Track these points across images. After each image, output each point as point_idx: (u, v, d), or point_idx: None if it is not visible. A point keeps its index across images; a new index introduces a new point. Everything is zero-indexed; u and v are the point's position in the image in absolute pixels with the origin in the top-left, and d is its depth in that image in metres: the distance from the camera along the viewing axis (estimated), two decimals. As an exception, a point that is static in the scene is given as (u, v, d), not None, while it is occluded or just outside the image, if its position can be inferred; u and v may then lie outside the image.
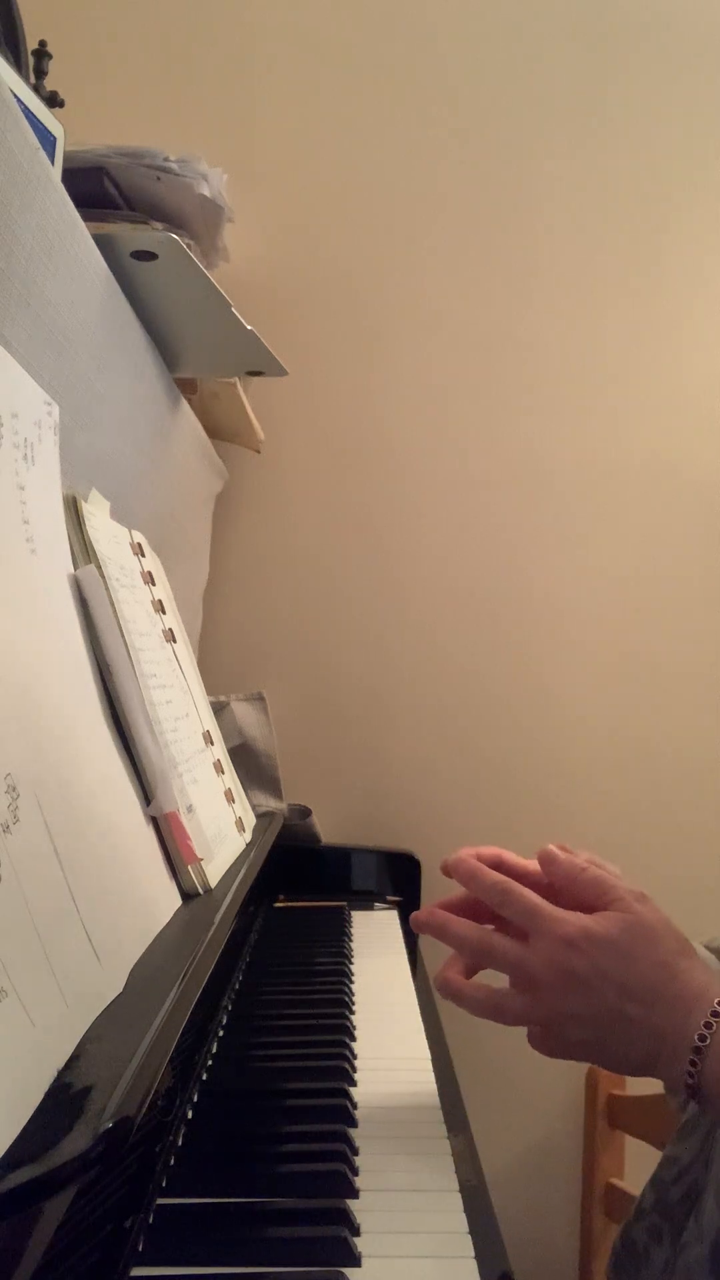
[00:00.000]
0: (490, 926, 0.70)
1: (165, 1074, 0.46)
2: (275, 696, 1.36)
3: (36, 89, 0.79)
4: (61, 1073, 0.41)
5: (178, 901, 0.68)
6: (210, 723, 0.98)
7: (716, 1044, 0.61)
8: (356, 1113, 0.69)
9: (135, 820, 0.64)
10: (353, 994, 0.96)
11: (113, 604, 0.70)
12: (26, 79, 0.78)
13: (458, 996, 0.69)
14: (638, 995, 0.63)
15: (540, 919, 0.65)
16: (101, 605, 0.69)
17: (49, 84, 0.82)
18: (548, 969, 0.64)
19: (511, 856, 0.73)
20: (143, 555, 0.88)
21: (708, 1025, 0.62)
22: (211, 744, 0.94)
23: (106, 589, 0.70)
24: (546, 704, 1.45)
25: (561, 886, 0.69)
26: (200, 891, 0.70)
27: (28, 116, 0.64)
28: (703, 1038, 0.61)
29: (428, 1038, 0.87)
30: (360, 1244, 0.53)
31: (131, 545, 0.86)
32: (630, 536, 1.46)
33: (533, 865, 0.72)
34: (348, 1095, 0.71)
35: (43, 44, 0.82)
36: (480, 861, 0.72)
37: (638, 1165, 1.32)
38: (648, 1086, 1.29)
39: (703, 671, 1.46)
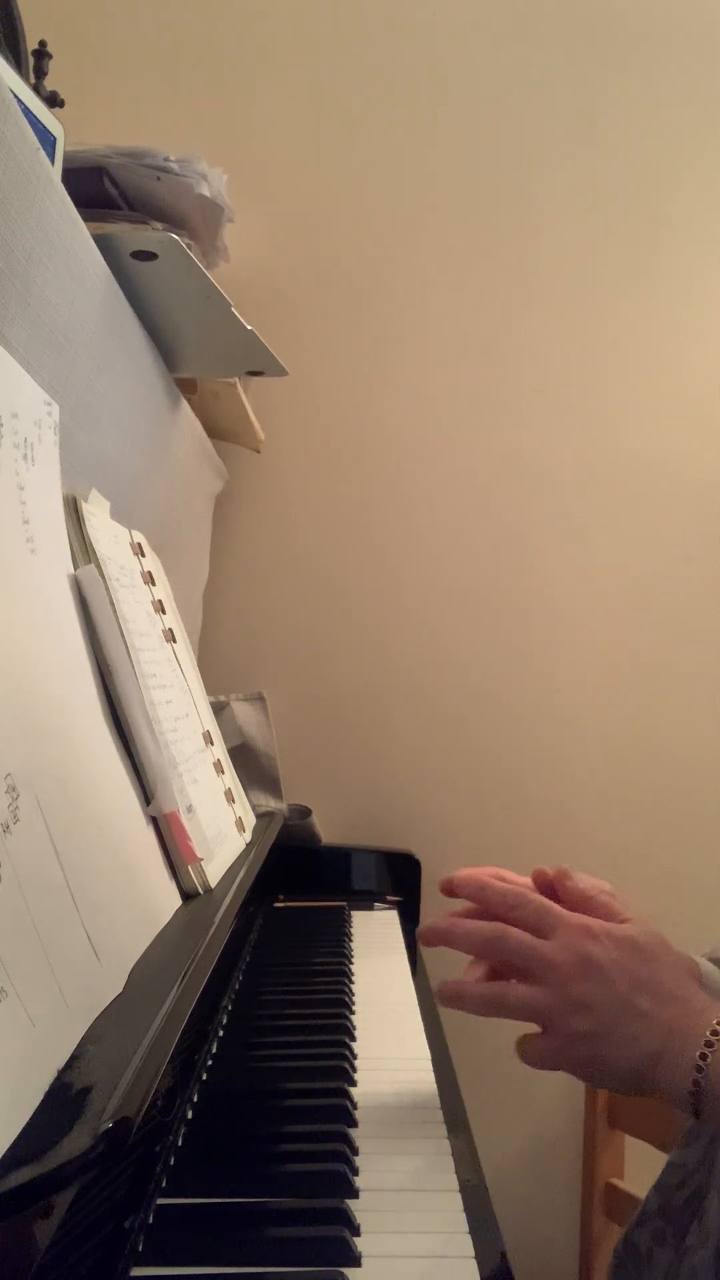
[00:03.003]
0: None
1: (165, 1074, 0.46)
2: (275, 696, 1.36)
3: (36, 89, 0.79)
4: (61, 1073, 0.41)
5: (178, 901, 0.67)
6: (210, 723, 0.98)
7: None
8: (356, 1113, 0.69)
9: (135, 820, 0.64)
10: (353, 994, 0.96)
11: (113, 604, 0.70)
12: (26, 79, 0.78)
13: (459, 998, 0.68)
14: (651, 990, 0.63)
15: (558, 914, 0.67)
16: (101, 605, 0.69)
17: (49, 84, 0.82)
18: (565, 951, 0.64)
19: (512, 875, 0.73)
20: (143, 555, 0.88)
21: (714, 1034, 0.62)
22: (211, 744, 0.94)
23: (106, 589, 0.70)
24: (547, 704, 1.45)
25: (573, 905, 0.69)
26: (200, 891, 0.70)
27: (28, 116, 0.64)
28: (716, 1033, 0.62)
29: (428, 1038, 0.87)
30: (360, 1244, 0.53)
31: (131, 545, 0.86)
32: (630, 537, 1.46)
33: (527, 881, 0.72)
34: (348, 1095, 0.71)
35: (43, 44, 0.82)
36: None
37: (638, 1165, 1.32)
38: (648, 1087, 1.28)
39: (703, 671, 1.46)
